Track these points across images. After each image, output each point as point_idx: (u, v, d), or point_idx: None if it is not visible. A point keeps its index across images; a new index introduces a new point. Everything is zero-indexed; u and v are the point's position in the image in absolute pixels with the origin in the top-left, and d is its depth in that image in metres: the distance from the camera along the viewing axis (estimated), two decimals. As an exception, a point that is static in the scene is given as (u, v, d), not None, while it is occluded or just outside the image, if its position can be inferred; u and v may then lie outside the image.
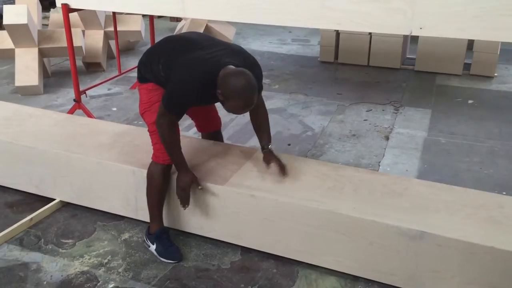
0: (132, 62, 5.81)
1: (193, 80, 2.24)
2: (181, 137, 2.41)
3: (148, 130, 2.54)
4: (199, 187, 2.46)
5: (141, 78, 2.53)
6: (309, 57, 6.33)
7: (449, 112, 4.47)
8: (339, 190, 2.43)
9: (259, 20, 3.26)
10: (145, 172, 2.62)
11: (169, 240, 2.58)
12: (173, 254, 2.53)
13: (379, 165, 3.53)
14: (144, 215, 2.75)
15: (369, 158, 3.63)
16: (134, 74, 5.33)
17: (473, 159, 3.61)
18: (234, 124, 4.24)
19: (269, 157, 2.57)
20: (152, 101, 2.48)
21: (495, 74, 5.46)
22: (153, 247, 2.56)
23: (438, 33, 2.77)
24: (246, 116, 4.48)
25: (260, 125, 2.65)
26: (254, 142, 3.86)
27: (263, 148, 2.63)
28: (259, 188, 2.48)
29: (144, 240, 2.62)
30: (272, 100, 4.76)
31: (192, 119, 2.92)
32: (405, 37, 5.65)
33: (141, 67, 2.53)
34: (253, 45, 6.97)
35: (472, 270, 2.12)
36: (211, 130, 2.97)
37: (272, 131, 3.81)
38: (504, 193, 3.06)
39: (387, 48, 5.64)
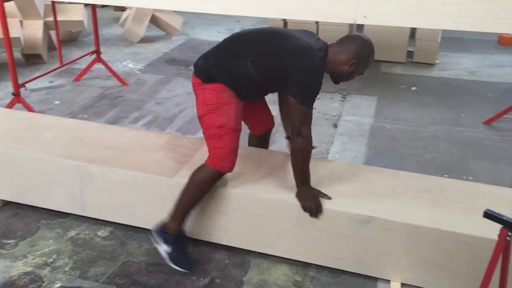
0: (75, 53, 5.61)
1: (319, 65, 2.18)
2: (126, 130, 2.34)
3: (208, 134, 2.29)
4: (330, 197, 2.30)
5: (208, 78, 2.27)
6: (258, 47, 6.32)
7: (394, 99, 4.60)
8: (289, 179, 2.44)
9: (205, 9, 3.22)
10: (90, 166, 2.54)
11: (186, 247, 2.41)
12: (186, 263, 2.37)
13: (328, 153, 3.59)
14: (91, 212, 2.67)
15: (318, 145, 3.68)
16: (78, 66, 5.24)
17: (417, 144, 3.73)
18: (184, 115, 4.19)
19: None
20: (221, 103, 2.24)
21: (437, 61, 5.67)
22: (165, 248, 2.34)
23: (382, 21, 2.83)
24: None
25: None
26: (203, 133, 3.83)
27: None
28: (209, 179, 2.46)
29: (153, 236, 2.37)
30: (221, 90, 4.73)
31: (245, 122, 2.60)
32: (351, 25, 5.74)
33: (209, 68, 2.28)
34: (201, 35, 6.89)
35: (417, 251, 2.19)
36: (267, 128, 2.72)
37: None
38: (446, 175, 3.18)
39: (334, 36, 5.62)
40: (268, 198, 2.32)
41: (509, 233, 1.60)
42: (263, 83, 2.26)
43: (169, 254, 2.34)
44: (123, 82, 4.91)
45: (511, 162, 3.47)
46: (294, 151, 2.24)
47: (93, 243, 2.55)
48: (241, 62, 2.23)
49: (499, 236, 1.62)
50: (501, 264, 1.71)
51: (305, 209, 2.27)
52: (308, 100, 2.17)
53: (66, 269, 2.38)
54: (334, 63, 2.24)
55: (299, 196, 2.29)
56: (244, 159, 2.55)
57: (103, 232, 2.65)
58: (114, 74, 4.94)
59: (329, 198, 2.30)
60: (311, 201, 2.26)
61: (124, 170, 2.54)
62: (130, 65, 5.56)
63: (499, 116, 4.08)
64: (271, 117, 2.68)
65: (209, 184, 2.31)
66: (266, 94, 2.48)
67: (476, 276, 1.79)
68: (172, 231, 2.34)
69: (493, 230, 1.65)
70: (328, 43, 2.29)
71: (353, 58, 2.22)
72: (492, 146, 3.71)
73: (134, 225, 2.64)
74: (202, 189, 2.31)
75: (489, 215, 1.63)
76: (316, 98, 2.21)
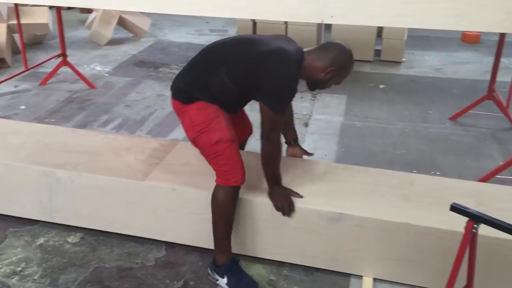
0: (40, 57, 5.49)
1: (293, 71, 2.11)
2: (95, 134, 2.31)
3: (207, 154, 2.23)
4: (301, 196, 2.31)
5: (187, 99, 2.21)
6: (228, 47, 6.31)
7: (363, 97, 4.66)
8: (261, 179, 2.44)
9: (173, 11, 3.20)
10: (58, 172, 2.49)
11: (242, 270, 2.31)
12: (249, 285, 2.27)
13: (299, 152, 3.61)
14: (60, 218, 2.62)
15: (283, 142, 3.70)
16: (44, 69, 5.13)
17: (386, 141, 3.79)
18: (154, 118, 4.14)
19: (300, 150, 2.72)
20: (210, 119, 2.17)
21: (403, 59, 5.78)
22: (223, 281, 2.26)
23: (348, 21, 2.87)
24: (166, 109, 4.40)
25: (289, 117, 2.65)
26: (175, 135, 3.81)
27: (293, 141, 2.70)
28: (180, 182, 2.44)
29: (209, 274, 2.32)
30: (191, 92, 4.71)
31: None
32: (319, 25, 5.80)
33: (187, 87, 2.22)
34: (170, 36, 6.84)
35: (388, 246, 2.23)
36: (246, 137, 2.68)
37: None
38: (415, 171, 3.25)
39: (303, 36, 5.74)
40: (240, 199, 2.32)
41: (475, 225, 1.65)
42: (240, 92, 2.21)
43: (229, 284, 2.26)
44: (91, 85, 4.83)
45: (477, 157, 3.56)
46: (263, 156, 2.22)
47: (63, 250, 2.51)
48: (216, 75, 2.17)
49: (466, 228, 1.66)
50: (468, 256, 1.76)
51: (277, 208, 2.28)
52: (279, 108, 2.12)
53: (36, 277, 2.33)
54: (311, 70, 2.20)
55: (271, 196, 2.30)
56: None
57: (73, 239, 2.60)
58: (82, 77, 4.85)
59: (301, 196, 2.32)
60: (283, 201, 2.27)
61: (93, 174, 2.50)
62: (98, 68, 5.47)
63: (464, 112, 4.19)
64: (250, 124, 2.64)
65: (231, 202, 2.24)
66: (247, 102, 2.40)
67: (445, 268, 1.84)
68: (221, 262, 2.28)
69: (460, 222, 1.69)
70: (306, 49, 2.24)
71: (330, 66, 2.18)
72: (458, 141, 3.81)
73: (105, 230, 2.60)
74: (228, 210, 2.24)
75: (455, 208, 1.68)
76: (288, 105, 2.19)
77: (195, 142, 2.26)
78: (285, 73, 2.10)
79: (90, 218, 2.59)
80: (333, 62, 2.19)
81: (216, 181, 2.23)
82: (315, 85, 2.29)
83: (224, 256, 2.28)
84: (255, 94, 2.19)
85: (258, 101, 2.16)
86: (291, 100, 2.20)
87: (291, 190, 2.33)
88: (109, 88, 4.84)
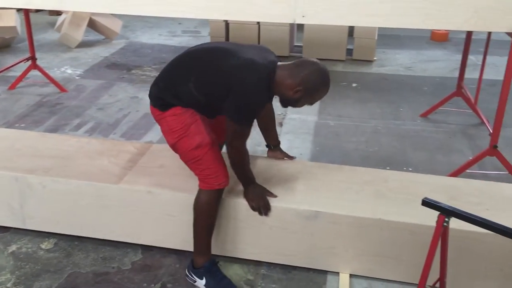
0: (9, 60, 5.37)
1: (261, 83, 2.05)
2: (67, 138, 2.27)
3: (188, 159, 2.21)
4: (275, 196, 2.31)
5: (163, 106, 2.19)
6: (201, 48, 6.30)
7: (336, 96, 4.71)
8: (236, 179, 2.45)
9: (145, 12, 3.17)
10: (29, 177, 2.44)
11: (221, 272, 2.29)
12: (227, 287, 2.26)
13: (274, 151, 3.62)
14: (33, 224, 2.57)
15: (264, 145, 3.71)
16: (13, 73, 5.02)
17: (359, 139, 3.85)
18: (127, 120, 4.10)
19: (280, 154, 2.71)
20: (187, 124, 2.16)
21: (375, 58, 5.87)
22: (201, 282, 2.25)
23: (319, 20, 2.90)
24: (140, 111, 4.36)
25: (270, 122, 2.62)
26: (149, 137, 3.78)
27: (273, 146, 2.69)
28: (156, 184, 2.43)
29: (188, 275, 2.31)
30: (165, 94, 4.67)
31: None
32: (292, 25, 5.84)
33: (161, 94, 2.20)
34: (143, 38, 6.78)
35: (363, 242, 2.27)
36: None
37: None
38: (388, 168, 3.30)
39: (276, 36, 5.78)
40: (216, 199, 2.32)
41: (446, 219, 1.69)
42: (209, 103, 2.18)
43: (207, 286, 2.25)
44: (62, 89, 4.74)
45: (447, 152, 3.65)
46: (230, 160, 2.21)
47: (37, 257, 2.46)
48: (184, 85, 2.14)
49: (437, 222, 1.70)
50: (441, 249, 1.81)
51: (253, 208, 2.29)
52: (243, 121, 2.09)
53: (9, 285, 2.28)
54: (280, 86, 2.11)
55: (246, 196, 2.31)
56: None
57: (46, 245, 2.55)
58: (52, 81, 4.77)
59: (275, 196, 2.33)
60: (258, 200, 2.28)
61: (66, 179, 2.46)
62: (69, 71, 5.38)
63: (434, 108, 4.28)
64: None
65: (214, 205, 2.23)
66: (221, 111, 2.22)
67: (419, 262, 1.87)
68: (200, 264, 2.27)
69: (432, 217, 1.73)
70: (281, 63, 2.16)
71: (298, 85, 2.08)
72: (429, 137, 3.89)
73: (79, 235, 2.57)
74: (210, 213, 2.23)
75: (427, 203, 1.71)
76: (253, 120, 2.14)
77: (175, 148, 2.24)
78: (251, 87, 2.05)
79: (64, 224, 2.55)
80: (302, 81, 2.09)
81: (199, 185, 2.22)
82: (287, 103, 2.20)
83: (204, 258, 2.27)
84: (223, 106, 2.14)
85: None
86: (257, 113, 2.18)
87: (266, 190, 2.34)
88: (81, 91, 4.77)
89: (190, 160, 2.21)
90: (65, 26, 6.14)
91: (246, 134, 2.16)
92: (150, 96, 2.28)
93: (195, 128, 2.17)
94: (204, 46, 2.30)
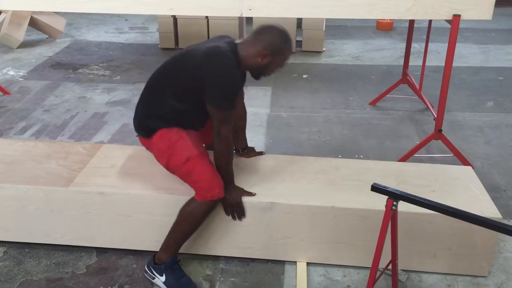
0: None
1: (230, 64, 2.08)
2: (12, 142, 2.19)
3: (181, 174, 2.21)
4: (253, 194, 2.29)
5: (149, 132, 2.23)
6: (149, 45, 6.20)
7: (288, 87, 4.76)
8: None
9: (89, 9, 3.10)
10: (2, 185, 2.35)
11: (181, 270, 2.26)
12: (187, 285, 2.22)
13: (228, 145, 3.62)
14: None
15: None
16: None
17: (312, 129, 3.91)
18: (76, 121, 3.99)
19: (253, 153, 2.67)
20: (173, 142, 2.18)
21: (324, 49, 5.96)
22: (161, 279, 2.21)
23: (266, 13, 2.92)
24: (88, 111, 4.25)
25: (240, 123, 2.58)
26: (99, 138, 3.69)
27: (243, 148, 2.64)
28: (108, 185, 2.38)
29: (147, 271, 2.27)
30: (115, 92, 4.57)
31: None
32: (241, 19, 5.83)
33: (144, 122, 2.26)
34: (88, 36, 6.59)
35: (317, 230, 2.31)
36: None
37: (118, 124, 3.69)
38: (340, 156, 3.37)
39: (225, 30, 5.73)
40: (172, 197, 2.30)
41: (394, 203, 1.75)
42: (194, 109, 2.19)
43: (167, 284, 2.22)
44: (4, 91, 4.55)
45: (396, 138, 3.76)
46: (215, 153, 2.20)
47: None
48: (164, 103, 2.18)
49: (386, 206, 1.76)
50: (391, 231, 1.87)
51: (227, 213, 2.29)
52: (224, 104, 2.10)
53: (-44, 299, 2.19)
54: (247, 58, 2.16)
55: (223, 198, 2.25)
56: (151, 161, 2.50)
57: (-5, 254, 2.46)
58: (-7, 83, 4.57)
59: (253, 194, 2.30)
60: (234, 207, 2.26)
61: (12, 184, 2.37)
62: (11, 73, 5.16)
63: (382, 96, 4.40)
64: None
65: (204, 215, 2.21)
66: (208, 116, 2.21)
67: (372, 246, 1.93)
68: (162, 260, 2.24)
69: (381, 202, 1.79)
70: (239, 40, 2.22)
71: (264, 49, 2.14)
72: (378, 124, 3.99)
73: (30, 241, 2.48)
74: (195, 223, 2.22)
75: (375, 188, 1.77)
76: (234, 103, 2.15)
77: (169, 169, 2.25)
78: (223, 69, 2.09)
79: (13, 231, 2.46)
80: (266, 45, 2.15)
81: (195, 196, 2.20)
82: (258, 73, 2.25)
83: (167, 255, 2.24)
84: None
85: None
86: (236, 93, 2.18)
87: (244, 191, 2.31)
88: (25, 93, 4.59)
89: (183, 174, 2.22)
90: (5, 26, 5.87)
91: (230, 119, 2.16)
92: (134, 127, 2.33)
93: (181, 144, 2.19)
94: (163, 63, 2.30)
